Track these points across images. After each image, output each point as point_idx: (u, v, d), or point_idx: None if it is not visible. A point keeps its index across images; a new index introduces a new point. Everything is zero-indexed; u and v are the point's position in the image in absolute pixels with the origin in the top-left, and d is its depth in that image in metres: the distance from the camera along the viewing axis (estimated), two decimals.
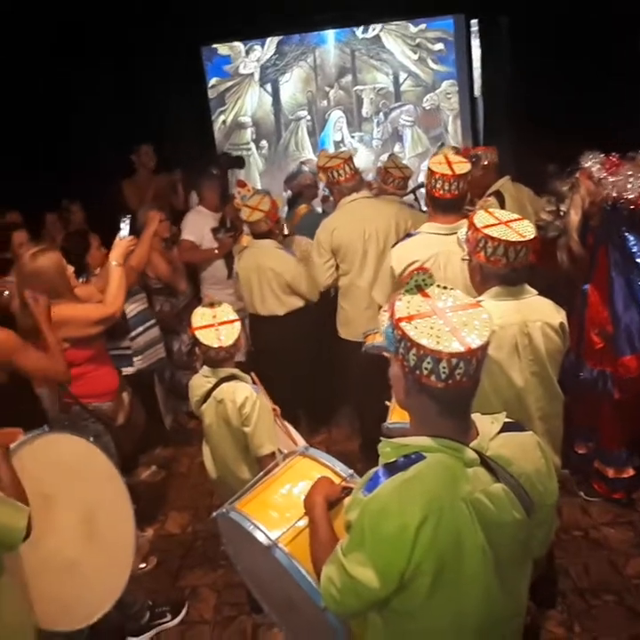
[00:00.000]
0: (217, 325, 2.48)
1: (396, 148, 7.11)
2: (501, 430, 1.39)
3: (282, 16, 6.16)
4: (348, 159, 3.58)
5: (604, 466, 3.31)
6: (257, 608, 2.60)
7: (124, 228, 3.08)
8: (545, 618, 2.65)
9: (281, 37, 6.93)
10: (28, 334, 2.52)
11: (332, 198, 3.98)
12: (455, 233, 2.57)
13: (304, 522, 1.69)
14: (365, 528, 1.26)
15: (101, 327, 2.86)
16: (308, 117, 7.20)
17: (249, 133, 7.30)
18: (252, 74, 7.10)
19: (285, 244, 3.99)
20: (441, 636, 1.33)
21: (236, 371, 2.54)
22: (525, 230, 2.07)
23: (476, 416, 1.39)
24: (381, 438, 1.41)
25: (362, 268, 3.57)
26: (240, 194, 4.37)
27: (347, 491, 1.63)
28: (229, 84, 7.15)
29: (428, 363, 1.23)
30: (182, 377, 4.25)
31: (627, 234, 3.01)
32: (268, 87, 7.15)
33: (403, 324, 1.26)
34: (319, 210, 5.22)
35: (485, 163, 3.93)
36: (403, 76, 6.97)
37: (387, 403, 2.41)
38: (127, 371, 3.66)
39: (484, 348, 1.24)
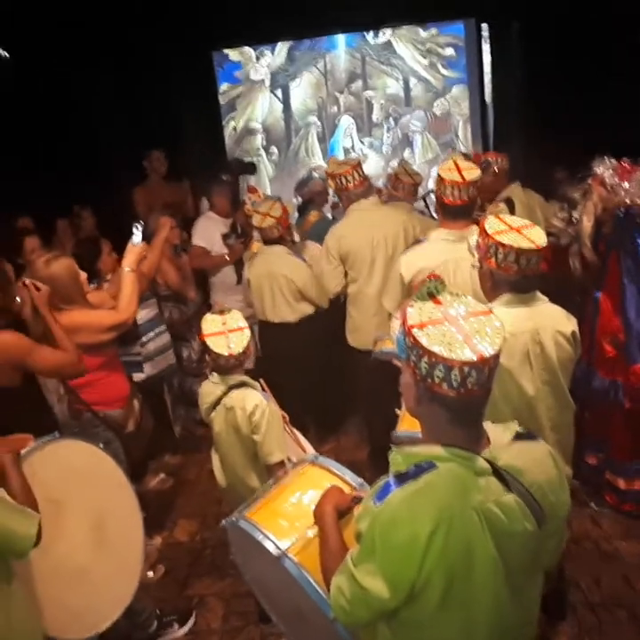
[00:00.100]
0: (227, 333, 2.47)
1: (406, 154, 7.11)
2: (513, 439, 1.37)
3: (292, 19, 6.14)
4: (357, 165, 3.57)
5: (614, 477, 3.27)
6: (265, 618, 2.56)
7: (137, 234, 3.10)
8: (555, 632, 2.60)
9: (291, 43, 6.95)
10: (40, 340, 2.52)
11: (341, 205, 3.98)
12: (464, 240, 2.56)
13: (314, 531, 1.69)
14: (376, 538, 1.25)
15: (114, 333, 2.87)
16: (318, 123, 7.21)
17: (259, 139, 7.32)
18: (262, 80, 7.13)
19: (295, 250, 3.99)
20: None
21: (245, 378, 2.53)
22: (537, 238, 2.06)
23: (487, 425, 1.38)
24: (391, 446, 1.40)
25: (370, 275, 3.56)
26: (251, 200, 4.38)
27: (357, 500, 1.62)
28: (240, 89, 7.18)
29: (440, 371, 1.22)
30: (192, 384, 4.24)
31: (639, 240, 2.99)
32: (279, 93, 7.17)
33: (415, 331, 1.25)
34: (330, 216, 5.22)
35: (496, 169, 3.93)
36: (413, 81, 6.98)
37: (397, 411, 2.40)
38: (137, 377, 3.67)
39: (496, 356, 1.23)
